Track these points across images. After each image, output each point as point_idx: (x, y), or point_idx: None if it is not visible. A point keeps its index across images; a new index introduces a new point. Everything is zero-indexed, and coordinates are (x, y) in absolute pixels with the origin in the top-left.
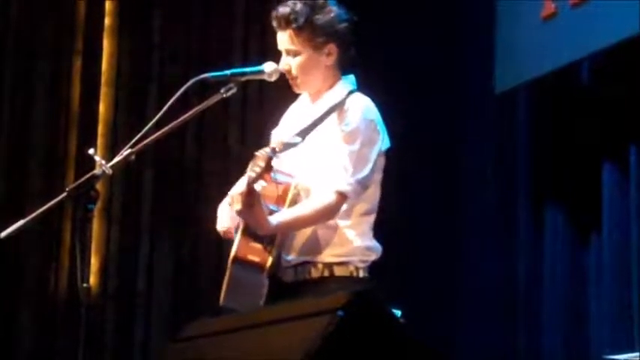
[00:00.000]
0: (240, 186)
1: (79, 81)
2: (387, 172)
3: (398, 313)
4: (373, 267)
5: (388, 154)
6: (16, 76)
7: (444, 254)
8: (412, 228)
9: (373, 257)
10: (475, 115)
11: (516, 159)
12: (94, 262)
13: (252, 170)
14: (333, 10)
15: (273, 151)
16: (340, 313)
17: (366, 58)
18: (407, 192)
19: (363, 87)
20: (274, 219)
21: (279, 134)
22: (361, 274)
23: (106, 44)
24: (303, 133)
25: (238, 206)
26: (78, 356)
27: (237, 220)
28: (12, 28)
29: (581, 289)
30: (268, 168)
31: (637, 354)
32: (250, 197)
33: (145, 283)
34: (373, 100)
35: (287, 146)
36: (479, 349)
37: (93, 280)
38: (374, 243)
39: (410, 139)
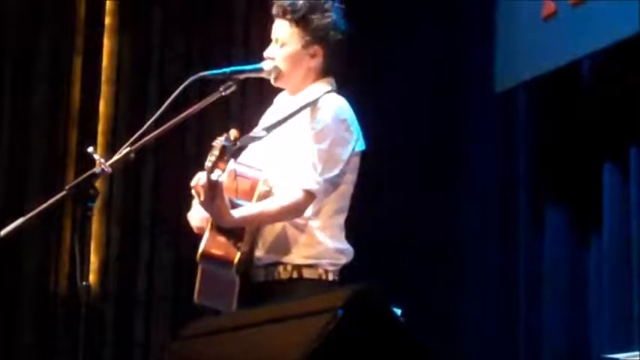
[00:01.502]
0: (200, 177)
1: (80, 80)
2: (386, 171)
3: (398, 311)
4: (373, 266)
5: (385, 154)
6: (16, 75)
7: (444, 254)
8: (412, 227)
9: (344, 260)
10: (475, 115)
11: (516, 159)
12: (94, 261)
13: (208, 160)
14: (332, 17)
15: (228, 139)
16: (340, 311)
17: (366, 58)
18: (407, 192)
19: (363, 87)
20: (237, 212)
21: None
22: (330, 277)
23: (107, 43)
24: (270, 128)
25: (201, 198)
26: (78, 355)
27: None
28: (12, 27)
29: (581, 289)
30: (222, 156)
31: (637, 354)
32: (211, 189)
33: (144, 282)
34: (374, 99)
35: (250, 139)
36: (479, 349)
37: (92, 278)
38: (345, 245)
39: (410, 139)
